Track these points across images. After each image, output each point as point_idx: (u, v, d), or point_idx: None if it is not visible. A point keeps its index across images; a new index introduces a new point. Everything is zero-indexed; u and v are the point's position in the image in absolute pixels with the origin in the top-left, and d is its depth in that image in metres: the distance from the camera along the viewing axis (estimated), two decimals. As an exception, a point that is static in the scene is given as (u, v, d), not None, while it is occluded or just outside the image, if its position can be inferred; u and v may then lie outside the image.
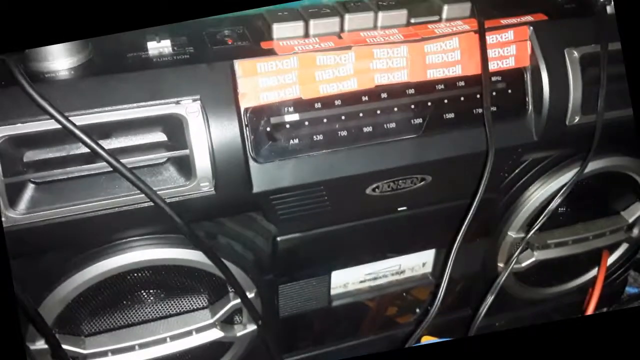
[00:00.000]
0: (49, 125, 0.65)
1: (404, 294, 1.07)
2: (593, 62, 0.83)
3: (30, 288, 0.71)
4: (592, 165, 0.92)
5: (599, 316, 1.04)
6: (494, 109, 0.82)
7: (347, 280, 0.99)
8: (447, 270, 0.83)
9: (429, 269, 1.04)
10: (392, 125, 0.80)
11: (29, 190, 0.68)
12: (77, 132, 0.64)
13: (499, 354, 0.73)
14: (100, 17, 0.65)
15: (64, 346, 0.77)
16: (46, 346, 0.77)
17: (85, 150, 0.67)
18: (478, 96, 0.82)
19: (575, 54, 0.83)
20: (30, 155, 0.68)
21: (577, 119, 0.84)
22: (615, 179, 0.99)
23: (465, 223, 0.82)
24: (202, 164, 0.71)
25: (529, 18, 0.84)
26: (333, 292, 0.99)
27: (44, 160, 0.68)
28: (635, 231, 1.07)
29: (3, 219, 0.65)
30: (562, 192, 0.89)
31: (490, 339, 0.82)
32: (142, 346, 0.83)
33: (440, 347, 0.90)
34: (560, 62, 0.82)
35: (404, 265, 1.02)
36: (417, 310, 1.10)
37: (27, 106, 0.64)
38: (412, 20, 0.82)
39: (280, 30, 0.77)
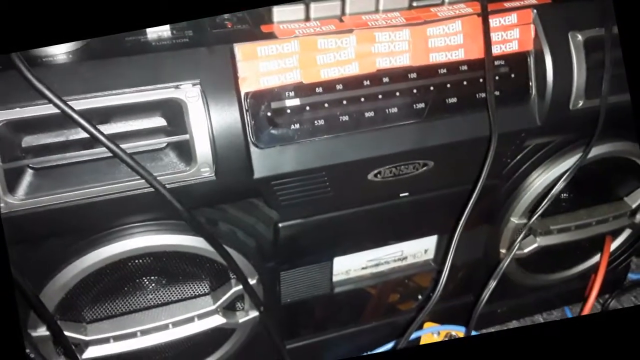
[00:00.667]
0: (48, 110, 0.65)
1: (406, 280, 1.07)
2: (597, 45, 0.82)
3: (31, 275, 0.70)
4: (596, 151, 0.91)
5: (599, 315, 1.05)
6: (497, 93, 0.81)
7: (349, 266, 0.99)
8: (449, 257, 0.83)
9: (430, 255, 1.04)
10: (394, 110, 0.79)
11: (28, 176, 0.68)
12: (75, 116, 0.64)
13: (500, 353, 0.73)
14: (100, 17, 0.65)
15: (66, 333, 0.77)
16: (48, 333, 0.77)
17: (85, 135, 0.66)
18: (481, 80, 0.81)
19: (579, 37, 0.82)
20: (29, 141, 0.67)
21: (580, 103, 0.84)
22: (619, 165, 0.99)
23: (468, 209, 0.81)
24: (203, 149, 0.70)
25: (532, 1, 0.83)
26: (335, 278, 0.99)
27: (42, 146, 0.67)
28: (638, 217, 1.06)
29: (2, 204, 0.65)
30: (565, 177, 0.88)
31: (491, 338, 0.83)
32: (144, 332, 0.82)
33: (441, 347, 0.90)
34: (564, 46, 0.82)
35: (405, 252, 1.01)
36: (419, 297, 1.10)
37: (25, 90, 0.63)
38: (414, 4, 0.81)
39: (280, 13, 0.76)
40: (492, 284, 0.89)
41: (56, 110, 0.64)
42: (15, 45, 0.62)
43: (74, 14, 0.64)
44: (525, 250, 1.01)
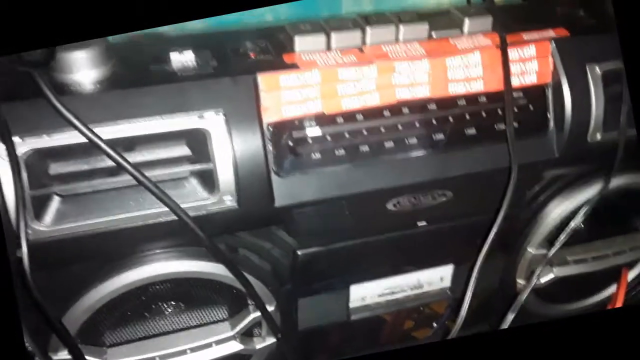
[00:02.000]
0: (75, 138, 0.66)
1: (421, 307, 1.07)
2: (615, 78, 0.83)
3: (54, 298, 0.71)
4: (613, 182, 0.91)
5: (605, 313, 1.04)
6: (515, 125, 0.81)
7: (365, 294, 0.99)
8: (469, 289, 0.83)
9: (447, 283, 1.03)
10: (414, 140, 0.80)
11: (55, 203, 0.69)
12: (102, 145, 0.65)
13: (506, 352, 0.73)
14: (108, 16, 0.65)
15: (86, 356, 0.78)
16: (69, 357, 0.78)
17: (110, 163, 0.67)
18: (499, 112, 0.82)
19: (598, 70, 0.82)
20: (56, 168, 0.68)
21: (598, 135, 0.84)
22: (636, 196, 0.99)
23: (488, 240, 0.82)
24: (226, 177, 0.71)
25: (551, 33, 0.84)
26: (351, 305, 0.99)
27: (69, 173, 0.69)
28: (655, 249, 1.06)
29: (29, 231, 0.66)
30: (584, 209, 0.88)
31: (499, 338, 0.82)
32: (163, 357, 0.83)
33: (447, 345, 0.90)
34: (582, 79, 0.82)
35: (422, 280, 1.01)
36: (434, 324, 1.10)
37: (52, 118, 0.64)
38: (434, 35, 0.82)
39: (302, 43, 0.77)
40: (510, 317, 0.89)
41: (83, 139, 0.65)
42: (28, 44, 0.63)
43: (84, 13, 0.64)
44: (542, 281, 1.01)
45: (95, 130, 0.65)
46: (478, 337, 0.91)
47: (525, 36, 0.84)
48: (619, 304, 1.00)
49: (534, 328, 0.81)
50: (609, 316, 0.88)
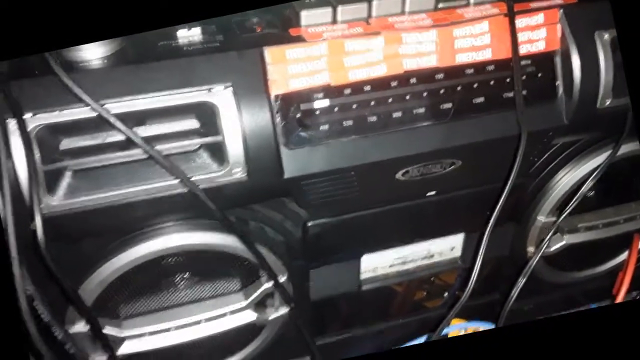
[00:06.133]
0: (85, 113, 0.66)
1: (432, 278, 1.08)
2: (624, 44, 0.82)
3: (69, 272, 0.72)
4: (624, 149, 0.91)
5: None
6: (524, 92, 0.81)
7: (376, 264, 1.00)
8: (479, 256, 0.84)
9: (457, 253, 1.04)
10: (422, 110, 0.80)
11: (67, 178, 0.70)
12: (112, 119, 0.66)
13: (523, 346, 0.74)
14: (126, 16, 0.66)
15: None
16: (85, 329, 0.79)
17: (120, 137, 0.68)
18: (508, 80, 0.81)
19: (606, 36, 0.82)
20: (67, 143, 0.69)
21: (608, 102, 0.84)
22: (647, 162, 0.99)
23: (497, 208, 0.82)
24: (235, 150, 0.72)
25: (558, 1, 0.83)
26: (363, 276, 1.00)
27: (80, 148, 0.69)
28: (666, 215, 1.05)
29: (42, 205, 0.67)
30: (594, 175, 0.89)
31: (516, 330, 0.83)
32: (178, 328, 0.85)
33: (466, 338, 0.91)
34: (591, 45, 0.82)
35: (432, 250, 1.02)
36: (445, 294, 1.11)
37: (62, 95, 0.65)
38: (440, 5, 0.81)
39: (308, 16, 0.77)
40: (522, 282, 0.89)
41: (93, 114, 0.66)
42: (43, 46, 0.65)
43: (86, 14, 0.65)
44: (553, 248, 1.01)
45: (105, 105, 0.66)
46: (480, 336, 0.92)
47: (533, 4, 0.83)
48: (630, 270, 1.00)
49: (533, 327, 0.82)
50: (610, 313, 0.88)
